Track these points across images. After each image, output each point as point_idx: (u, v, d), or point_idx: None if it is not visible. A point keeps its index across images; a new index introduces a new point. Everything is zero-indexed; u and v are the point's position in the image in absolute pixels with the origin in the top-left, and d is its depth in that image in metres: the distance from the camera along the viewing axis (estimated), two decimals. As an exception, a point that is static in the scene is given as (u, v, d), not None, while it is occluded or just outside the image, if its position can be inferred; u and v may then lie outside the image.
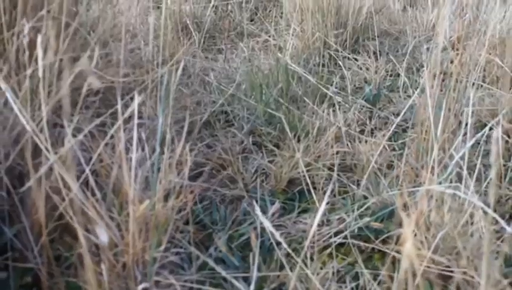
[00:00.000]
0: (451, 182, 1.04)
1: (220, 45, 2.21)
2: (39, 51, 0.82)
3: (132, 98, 1.07)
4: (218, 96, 1.54)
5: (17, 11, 1.05)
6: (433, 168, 1.05)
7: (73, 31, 1.02)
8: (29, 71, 0.86)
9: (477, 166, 1.14)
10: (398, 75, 1.94)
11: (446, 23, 2.47)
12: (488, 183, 1.28)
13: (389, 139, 1.42)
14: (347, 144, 1.36)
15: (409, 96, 1.83)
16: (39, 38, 0.82)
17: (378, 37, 2.26)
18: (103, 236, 0.63)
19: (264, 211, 1.07)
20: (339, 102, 1.64)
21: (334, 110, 1.51)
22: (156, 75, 1.14)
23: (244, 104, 1.48)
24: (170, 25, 1.98)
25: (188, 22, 2.24)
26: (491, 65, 2.06)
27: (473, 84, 1.88)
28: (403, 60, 2.00)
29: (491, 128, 1.42)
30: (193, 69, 1.74)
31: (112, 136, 0.84)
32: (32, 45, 0.91)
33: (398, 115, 1.59)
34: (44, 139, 0.79)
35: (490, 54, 2.12)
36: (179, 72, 1.06)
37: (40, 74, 0.84)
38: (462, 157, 1.02)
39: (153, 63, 1.30)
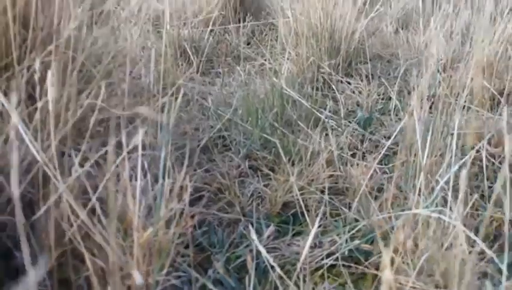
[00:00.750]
0: (437, 205, 1.09)
1: (218, 68, 2.29)
2: (49, 87, 0.88)
3: (135, 127, 1.13)
4: (215, 121, 1.61)
5: (27, 45, 1.12)
6: (420, 191, 1.11)
7: (80, 64, 1.09)
8: (40, 104, 0.92)
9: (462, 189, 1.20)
10: (390, 98, 2.01)
11: (435, 47, 2.55)
12: (473, 205, 1.34)
13: (380, 162, 1.49)
14: (339, 168, 1.42)
15: (400, 119, 1.90)
16: (49, 75, 0.89)
17: (370, 60, 2.34)
18: (138, 279, 0.69)
19: (260, 234, 1.12)
20: (332, 126, 1.70)
21: (327, 134, 1.58)
22: (157, 104, 1.21)
23: (241, 129, 1.55)
24: (170, 51, 2.06)
25: (186, 46, 2.31)
26: (479, 88, 2.13)
27: (463, 107, 1.95)
28: (395, 83, 2.07)
29: (478, 151, 1.49)
30: (191, 94, 1.80)
31: (117, 165, 0.90)
32: (41, 78, 0.97)
33: (389, 138, 1.66)
34: (53, 169, 0.85)
35: (478, 76, 2.20)
36: (179, 100, 1.12)
37: (50, 107, 0.90)
38: (448, 181, 1.08)
39: (153, 91, 1.37)
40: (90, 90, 1.05)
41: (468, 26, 3.09)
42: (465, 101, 2.00)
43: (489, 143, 1.68)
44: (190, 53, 2.26)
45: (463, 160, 1.24)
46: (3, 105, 0.98)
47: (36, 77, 0.91)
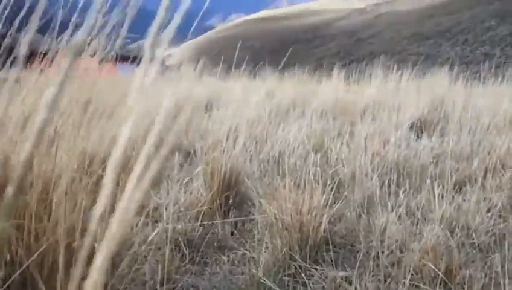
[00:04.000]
0: None
1: (206, 258, 2.70)
2: None
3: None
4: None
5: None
6: None
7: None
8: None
9: None
10: (351, 282, 2.41)
11: (390, 229, 3.03)
12: None
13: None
14: None
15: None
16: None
17: (335, 247, 2.78)
18: None
19: None
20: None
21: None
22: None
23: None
24: (168, 246, 2.49)
25: (180, 239, 2.76)
26: (426, 268, 2.55)
27: (411, 285, 2.35)
28: (356, 268, 2.49)
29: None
30: (186, 287, 2.20)
31: None
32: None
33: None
34: None
35: (424, 258, 2.63)
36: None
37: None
38: None
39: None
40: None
41: (422, 205, 3.63)
42: (410, 280, 2.41)
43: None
44: (183, 245, 2.69)
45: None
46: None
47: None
